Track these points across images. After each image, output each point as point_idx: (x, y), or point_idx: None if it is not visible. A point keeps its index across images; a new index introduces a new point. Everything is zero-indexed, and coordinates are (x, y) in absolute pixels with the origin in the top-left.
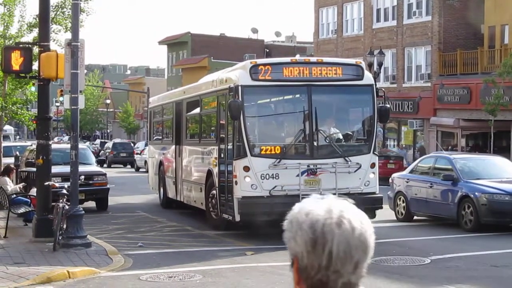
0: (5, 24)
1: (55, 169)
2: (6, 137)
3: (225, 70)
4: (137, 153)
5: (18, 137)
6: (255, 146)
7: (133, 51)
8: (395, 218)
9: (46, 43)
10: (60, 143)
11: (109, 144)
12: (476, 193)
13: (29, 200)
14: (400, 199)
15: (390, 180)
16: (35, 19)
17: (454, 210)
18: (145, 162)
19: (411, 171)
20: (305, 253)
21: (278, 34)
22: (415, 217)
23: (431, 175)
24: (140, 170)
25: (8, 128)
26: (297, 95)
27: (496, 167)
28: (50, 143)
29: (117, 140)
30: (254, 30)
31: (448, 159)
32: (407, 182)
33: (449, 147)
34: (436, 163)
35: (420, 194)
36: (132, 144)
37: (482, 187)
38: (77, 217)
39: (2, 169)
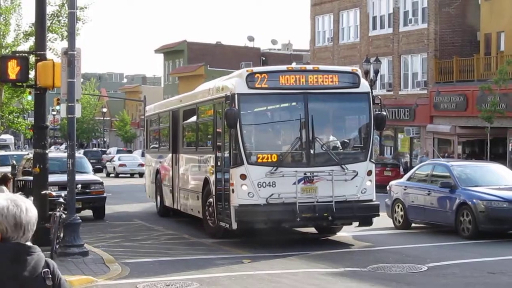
0: (1, 33)
1: (52, 177)
2: (6, 147)
3: (222, 78)
4: (108, 161)
5: (26, 146)
6: (251, 154)
7: (129, 60)
8: (393, 226)
9: (42, 52)
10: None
11: (80, 151)
12: (474, 200)
13: None
14: (398, 206)
15: (387, 188)
16: (31, 27)
17: (452, 217)
18: (114, 168)
19: (409, 179)
20: (9, 230)
21: (274, 42)
22: (413, 225)
23: (429, 183)
24: (111, 175)
25: (8, 138)
26: (294, 103)
27: (494, 174)
28: (46, 152)
29: (88, 149)
30: (251, 38)
31: (445, 166)
32: (404, 189)
33: (446, 154)
34: (433, 170)
35: (418, 202)
36: (101, 152)
37: (480, 194)
38: (74, 226)
39: None
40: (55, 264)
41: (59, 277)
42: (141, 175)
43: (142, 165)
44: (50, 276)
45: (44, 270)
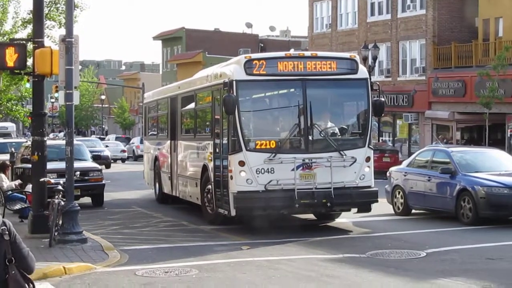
0: None
1: (50, 165)
2: (7, 135)
3: (220, 65)
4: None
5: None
6: (250, 141)
7: (127, 47)
8: (393, 212)
9: (40, 39)
10: (55, 139)
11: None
12: (475, 186)
13: (24, 197)
14: (398, 192)
15: (387, 174)
16: (29, 14)
17: (452, 203)
18: None
19: (409, 165)
20: None
21: (272, 28)
22: (413, 211)
23: (429, 169)
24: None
25: (10, 125)
26: (292, 90)
27: (494, 160)
28: (45, 139)
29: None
30: (249, 25)
31: (446, 152)
32: (404, 175)
33: (444, 140)
34: (434, 156)
35: (418, 188)
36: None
37: (480, 180)
38: (73, 213)
39: None
40: (11, 223)
41: (14, 233)
42: (123, 160)
43: (124, 151)
44: (7, 232)
45: (2, 227)
